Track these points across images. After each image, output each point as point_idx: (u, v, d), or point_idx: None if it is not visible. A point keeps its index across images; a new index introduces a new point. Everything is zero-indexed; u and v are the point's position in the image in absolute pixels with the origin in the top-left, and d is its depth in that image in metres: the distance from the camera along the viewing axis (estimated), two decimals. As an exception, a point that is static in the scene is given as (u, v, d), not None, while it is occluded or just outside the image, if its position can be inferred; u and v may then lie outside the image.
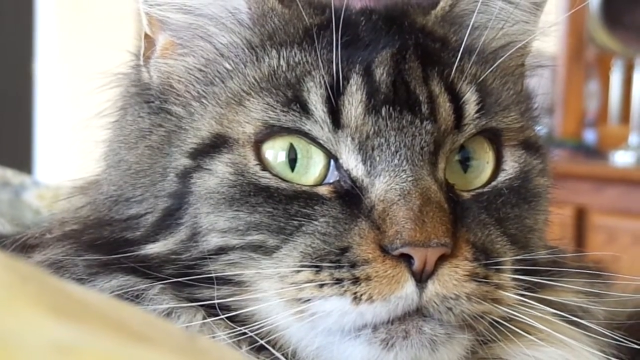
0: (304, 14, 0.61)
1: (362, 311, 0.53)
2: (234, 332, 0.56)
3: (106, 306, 0.37)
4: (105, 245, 0.59)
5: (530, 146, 0.64)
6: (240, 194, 0.57)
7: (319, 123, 0.57)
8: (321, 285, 0.54)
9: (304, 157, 0.58)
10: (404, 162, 0.56)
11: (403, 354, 0.54)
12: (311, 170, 0.58)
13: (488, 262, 0.56)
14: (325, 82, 0.57)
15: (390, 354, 0.54)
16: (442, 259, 0.54)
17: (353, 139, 0.57)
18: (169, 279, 0.57)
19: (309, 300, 0.54)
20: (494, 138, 0.62)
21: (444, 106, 0.59)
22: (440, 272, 0.54)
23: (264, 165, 0.58)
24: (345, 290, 0.54)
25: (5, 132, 3.60)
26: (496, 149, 0.62)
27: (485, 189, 0.61)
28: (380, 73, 0.59)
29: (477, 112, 0.60)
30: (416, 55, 0.60)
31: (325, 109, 0.57)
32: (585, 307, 0.62)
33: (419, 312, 0.54)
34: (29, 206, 1.04)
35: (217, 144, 0.59)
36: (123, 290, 0.57)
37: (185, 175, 0.59)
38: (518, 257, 0.59)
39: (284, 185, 0.57)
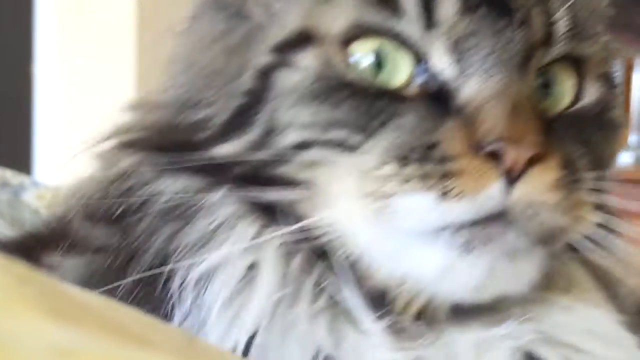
0: None
1: (447, 209, 0.52)
2: (293, 239, 0.56)
3: (106, 309, 0.37)
4: (172, 149, 0.59)
5: (609, 80, 0.64)
6: (324, 90, 0.56)
7: (411, 22, 0.56)
8: (406, 180, 0.53)
9: (392, 58, 0.57)
10: (497, 66, 0.55)
11: (481, 261, 0.52)
12: (399, 72, 0.57)
13: (572, 178, 0.55)
14: None
15: (468, 259, 0.52)
16: (531, 163, 0.52)
17: (445, 39, 0.56)
18: (235, 183, 0.57)
19: (391, 196, 0.53)
20: (578, 65, 0.61)
21: (537, 18, 0.58)
22: (529, 174, 0.52)
23: (350, 64, 0.57)
24: (432, 186, 0.52)
25: (4, 133, 3.59)
26: (578, 76, 0.62)
27: (567, 112, 0.60)
28: None
29: (566, 32, 0.59)
30: None
31: (418, 7, 0.56)
32: (624, 279, 0.62)
33: (502, 218, 0.52)
34: (28, 206, 1.04)
35: (302, 40, 0.58)
36: (187, 193, 0.57)
37: (265, 72, 0.58)
38: (598, 184, 0.58)
39: (369, 83, 0.56)
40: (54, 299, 0.34)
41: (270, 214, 0.57)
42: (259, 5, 0.61)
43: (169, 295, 0.54)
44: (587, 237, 0.56)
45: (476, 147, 0.52)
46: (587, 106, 0.61)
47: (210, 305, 0.54)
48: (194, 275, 0.54)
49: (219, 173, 0.57)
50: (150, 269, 0.54)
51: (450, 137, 0.53)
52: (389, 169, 0.53)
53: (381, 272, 0.55)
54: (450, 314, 0.56)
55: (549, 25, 0.58)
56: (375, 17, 0.57)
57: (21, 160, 3.49)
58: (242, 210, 0.57)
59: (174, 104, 0.62)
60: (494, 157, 0.52)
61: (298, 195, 0.56)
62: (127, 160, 0.60)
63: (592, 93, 0.62)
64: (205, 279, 0.54)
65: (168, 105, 0.62)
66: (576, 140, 0.58)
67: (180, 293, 0.54)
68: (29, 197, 1.05)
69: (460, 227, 0.52)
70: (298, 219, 0.55)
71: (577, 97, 0.61)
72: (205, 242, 0.56)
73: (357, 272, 0.55)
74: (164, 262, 0.55)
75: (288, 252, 0.56)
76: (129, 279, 0.54)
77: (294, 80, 0.57)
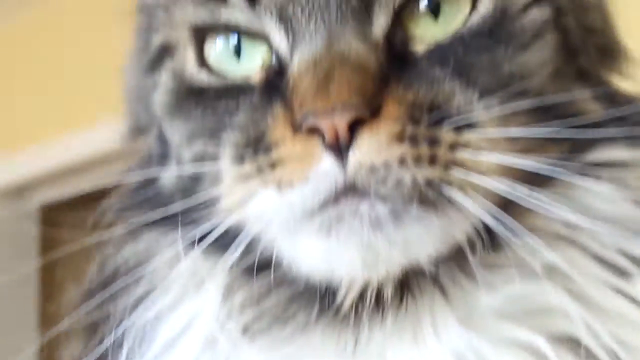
0: None
1: (289, 200, 0.47)
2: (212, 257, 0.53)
3: None
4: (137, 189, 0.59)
5: None
6: (177, 101, 0.55)
7: (236, 7, 0.53)
8: (247, 180, 0.49)
9: (246, 49, 0.53)
10: (320, 27, 0.49)
11: (345, 239, 0.47)
12: (253, 61, 0.53)
13: (439, 120, 0.48)
14: None
15: (331, 241, 0.47)
16: (361, 125, 0.46)
17: (271, 12, 0.51)
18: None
19: (244, 201, 0.49)
20: None
21: None
22: (360, 138, 0.46)
23: (206, 63, 0.54)
24: (267, 180, 0.48)
25: None
26: None
27: (446, 40, 0.51)
28: None
29: None
30: None
31: None
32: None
33: (353, 190, 0.46)
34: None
35: (163, 54, 0.57)
36: (143, 253, 0.56)
37: (147, 95, 0.58)
38: (500, 105, 0.49)
39: (215, 80, 0.54)
40: None
41: (213, 245, 0.52)
42: (147, 24, 0.59)
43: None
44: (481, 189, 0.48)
45: (295, 127, 0.47)
46: (477, 22, 0.52)
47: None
48: (141, 327, 0.53)
49: (169, 217, 0.54)
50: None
51: (273, 124, 0.49)
52: (233, 173, 0.50)
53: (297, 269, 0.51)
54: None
55: None
56: (207, 13, 0.54)
57: None
58: (182, 252, 0.54)
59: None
60: (316, 132, 0.46)
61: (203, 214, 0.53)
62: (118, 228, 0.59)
63: (487, 3, 0.52)
64: (150, 330, 0.53)
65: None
66: (456, 71, 0.50)
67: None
68: None
69: (313, 211, 0.47)
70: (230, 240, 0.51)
71: (472, 10, 0.52)
72: (146, 297, 0.54)
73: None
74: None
75: (232, 282, 0.53)
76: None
77: (160, 99, 0.56)
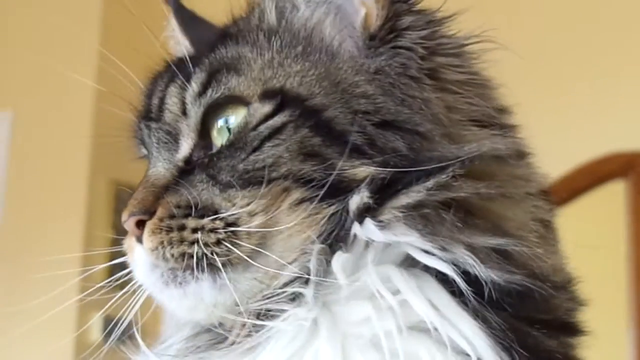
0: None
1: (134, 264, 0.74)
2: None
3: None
4: None
5: (267, 95, 0.72)
6: None
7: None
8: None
9: None
10: (151, 155, 0.76)
11: (162, 294, 0.72)
12: None
13: (189, 213, 0.70)
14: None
15: (162, 295, 0.73)
16: (143, 224, 0.71)
17: (139, 142, 0.80)
18: None
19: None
20: (236, 101, 0.72)
21: (168, 104, 0.76)
22: (144, 232, 0.71)
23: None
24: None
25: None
26: (245, 106, 0.72)
27: (213, 151, 0.73)
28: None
29: (198, 95, 0.73)
30: (165, 75, 0.79)
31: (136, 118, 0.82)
32: None
33: (153, 264, 0.71)
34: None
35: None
36: None
37: None
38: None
39: None
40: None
41: None
42: None
43: None
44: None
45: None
46: (232, 133, 0.72)
47: None
48: None
49: None
50: None
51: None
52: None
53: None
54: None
55: (183, 101, 0.75)
56: None
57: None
58: None
59: None
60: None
61: None
62: None
63: (252, 116, 0.72)
64: None
65: None
66: (209, 175, 0.71)
67: None
68: None
69: (146, 276, 0.74)
70: None
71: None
72: None
73: None
74: None
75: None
76: None
77: None
